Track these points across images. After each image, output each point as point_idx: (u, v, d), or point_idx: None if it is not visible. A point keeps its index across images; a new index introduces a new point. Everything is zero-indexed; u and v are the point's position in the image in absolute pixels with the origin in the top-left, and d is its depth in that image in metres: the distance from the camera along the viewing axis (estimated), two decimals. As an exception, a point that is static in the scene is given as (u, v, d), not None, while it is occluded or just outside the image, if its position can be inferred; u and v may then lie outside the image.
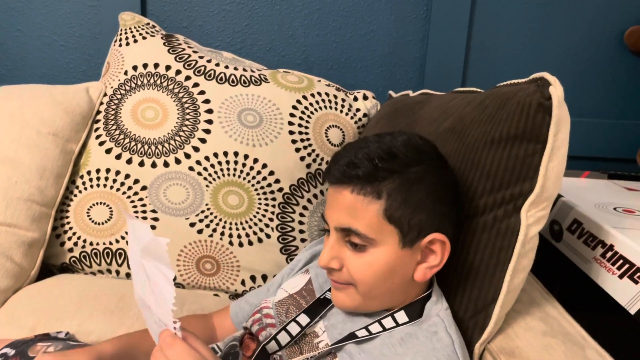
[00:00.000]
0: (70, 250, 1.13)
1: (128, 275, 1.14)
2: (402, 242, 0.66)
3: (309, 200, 1.15)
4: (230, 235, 1.11)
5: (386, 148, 0.67)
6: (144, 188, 1.11)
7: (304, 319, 0.75)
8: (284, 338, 0.73)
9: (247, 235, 1.12)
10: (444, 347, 0.64)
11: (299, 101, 1.17)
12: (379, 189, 0.65)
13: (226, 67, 1.19)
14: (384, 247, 0.66)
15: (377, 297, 0.69)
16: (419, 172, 0.67)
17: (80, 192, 1.14)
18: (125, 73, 1.18)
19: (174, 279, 1.11)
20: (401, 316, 0.69)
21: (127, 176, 1.11)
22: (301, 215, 1.15)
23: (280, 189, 1.13)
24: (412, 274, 0.68)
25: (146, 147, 1.12)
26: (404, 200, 0.65)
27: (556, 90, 0.69)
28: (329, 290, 0.78)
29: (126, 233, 1.12)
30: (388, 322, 0.69)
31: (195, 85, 1.15)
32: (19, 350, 0.80)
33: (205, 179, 1.10)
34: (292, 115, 1.15)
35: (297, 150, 1.14)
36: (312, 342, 0.73)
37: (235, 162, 1.11)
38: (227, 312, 0.93)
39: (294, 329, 0.74)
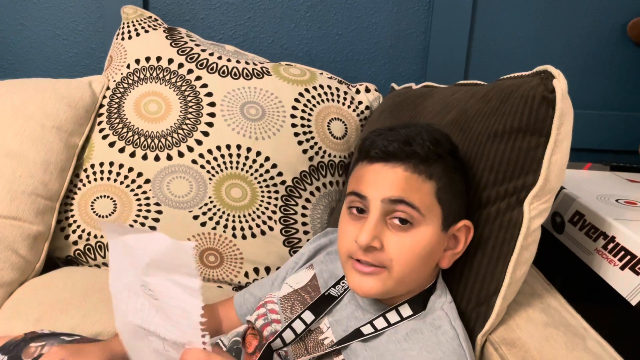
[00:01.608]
0: (75, 243, 1.14)
1: (132, 268, 1.15)
2: (443, 225, 0.68)
3: (311, 193, 1.16)
4: (234, 228, 1.12)
5: (432, 134, 0.70)
6: (147, 181, 1.11)
7: (308, 316, 0.75)
8: (288, 335, 0.73)
9: (250, 227, 1.12)
10: (448, 341, 0.64)
11: (301, 94, 1.17)
12: (431, 170, 0.67)
13: (228, 60, 1.19)
14: (428, 227, 0.66)
15: (408, 281, 0.68)
16: (455, 161, 0.72)
17: (84, 185, 1.14)
18: (128, 66, 1.18)
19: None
20: (405, 310, 0.69)
21: (130, 169, 1.12)
22: (304, 207, 1.15)
23: (283, 182, 1.13)
24: (438, 260, 0.71)
25: (149, 140, 1.12)
26: (450, 185, 0.69)
27: (560, 83, 0.69)
28: (334, 286, 0.78)
29: (130, 226, 1.12)
30: (392, 316, 0.69)
31: (198, 78, 1.15)
32: (12, 356, 0.78)
33: (208, 172, 1.11)
34: (294, 108, 1.15)
35: (300, 143, 1.14)
36: (317, 339, 0.73)
37: (238, 155, 1.11)
38: (231, 303, 0.94)
39: (298, 326, 0.74)
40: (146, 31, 1.23)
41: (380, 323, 0.68)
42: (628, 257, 0.84)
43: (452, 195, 0.69)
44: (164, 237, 0.47)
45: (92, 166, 1.14)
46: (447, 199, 0.68)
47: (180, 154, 1.11)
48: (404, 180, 0.66)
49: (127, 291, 0.52)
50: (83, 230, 1.13)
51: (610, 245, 0.88)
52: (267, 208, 1.13)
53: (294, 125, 1.14)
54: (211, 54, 1.19)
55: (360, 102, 1.22)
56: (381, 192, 0.66)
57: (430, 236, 0.67)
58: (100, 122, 1.17)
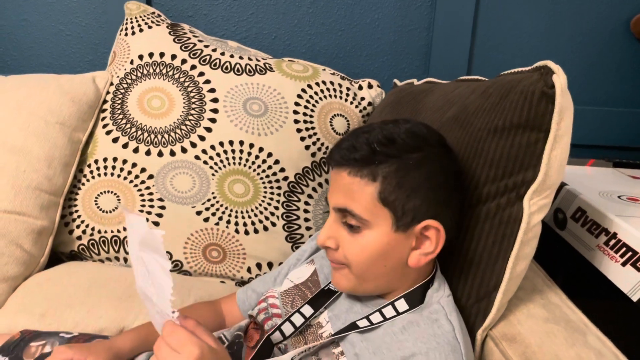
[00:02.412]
0: (79, 238, 1.15)
1: (135, 263, 1.15)
2: (395, 226, 0.67)
3: (313, 189, 1.16)
4: (237, 224, 1.12)
5: (387, 134, 0.68)
6: (150, 177, 1.12)
7: (307, 310, 0.76)
8: (287, 329, 0.75)
9: (253, 223, 1.13)
10: (444, 334, 0.65)
11: (304, 90, 1.17)
12: (375, 171, 0.66)
13: (231, 56, 1.19)
14: (377, 230, 0.67)
15: (371, 279, 0.70)
16: (418, 158, 0.67)
17: (87, 180, 1.15)
18: (131, 62, 1.19)
19: (181, 266, 1.13)
20: (401, 304, 0.70)
21: (134, 165, 1.13)
22: (306, 203, 1.16)
23: (286, 178, 1.13)
24: (406, 259, 0.69)
25: (152, 136, 1.13)
26: (399, 185, 0.66)
27: (559, 79, 0.69)
28: None
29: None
30: (388, 311, 0.69)
31: (201, 74, 1.15)
32: (13, 357, 0.79)
33: (211, 167, 1.11)
34: (297, 104, 1.16)
35: (302, 139, 1.14)
36: (317, 333, 0.74)
37: (241, 151, 1.11)
38: (234, 299, 0.94)
39: (297, 320, 0.75)
40: (149, 27, 1.23)
41: (376, 318, 0.69)
42: (629, 253, 0.84)
43: (405, 195, 0.66)
44: (143, 221, 0.53)
45: (96, 161, 1.15)
46: (396, 198, 0.66)
47: (184, 150, 1.11)
48: (347, 186, 0.68)
49: (136, 259, 0.58)
50: (87, 225, 1.14)
51: (612, 242, 0.88)
52: (269, 204, 1.13)
53: (296, 122, 1.14)
54: (214, 50, 1.20)
55: (362, 98, 1.22)
56: (333, 200, 0.70)
57: (379, 238, 0.67)
58: (103, 118, 1.17)
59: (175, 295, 0.52)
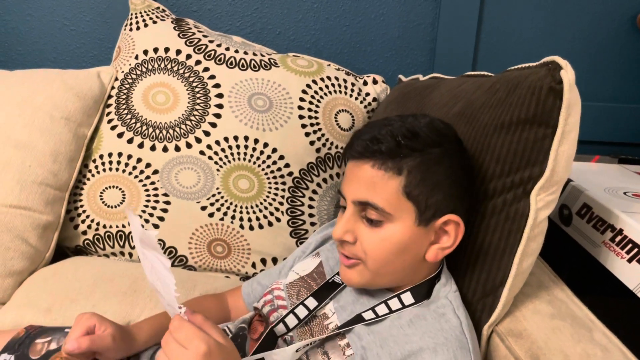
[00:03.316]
0: (84, 233, 1.15)
1: (140, 258, 1.16)
2: (417, 220, 0.67)
3: (318, 185, 1.16)
4: (241, 219, 1.12)
5: (410, 127, 0.68)
6: (155, 172, 1.12)
7: (312, 302, 0.76)
8: (292, 321, 0.75)
9: (258, 218, 1.13)
10: (451, 328, 0.65)
11: (308, 85, 1.17)
12: (400, 165, 0.66)
13: (236, 51, 1.19)
14: (399, 224, 0.67)
15: (386, 274, 0.70)
16: (439, 153, 0.68)
17: (93, 175, 1.15)
18: (136, 57, 1.19)
19: (186, 261, 1.13)
20: (407, 297, 0.70)
21: (139, 160, 1.13)
22: (311, 199, 1.16)
23: (290, 173, 1.13)
24: (424, 254, 0.69)
25: (157, 131, 1.13)
26: (423, 179, 0.67)
27: (567, 74, 0.68)
28: (338, 273, 0.79)
29: (139, 216, 1.13)
30: (394, 303, 0.70)
31: (206, 69, 1.15)
32: (19, 355, 0.78)
33: (216, 163, 1.11)
34: (301, 99, 1.15)
35: (307, 134, 1.14)
36: (323, 324, 0.74)
37: (246, 147, 1.11)
38: (239, 292, 0.95)
39: (301, 312, 0.75)
40: (154, 22, 1.23)
41: (381, 309, 0.70)
42: (635, 249, 0.84)
43: (428, 190, 0.67)
44: (137, 220, 0.55)
45: (101, 157, 1.15)
46: (420, 193, 0.67)
47: (188, 145, 1.11)
48: (369, 179, 0.67)
49: (142, 255, 0.58)
50: (92, 220, 1.14)
51: (618, 238, 0.88)
52: (274, 199, 1.13)
53: (301, 117, 1.14)
54: (219, 45, 1.20)
55: (367, 94, 1.22)
56: (352, 193, 0.69)
57: (401, 232, 0.67)
58: (108, 113, 1.17)
59: (179, 291, 0.53)
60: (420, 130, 0.68)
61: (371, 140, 0.68)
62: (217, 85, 1.14)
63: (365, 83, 1.24)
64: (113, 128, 1.15)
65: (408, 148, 0.67)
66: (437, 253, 0.69)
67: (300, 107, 1.15)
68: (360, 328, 0.69)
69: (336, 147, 1.17)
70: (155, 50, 1.18)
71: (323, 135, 1.16)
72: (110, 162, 1.14)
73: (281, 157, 1.12)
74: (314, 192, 1.16)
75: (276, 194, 1.13)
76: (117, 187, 1.14)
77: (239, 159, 1.11)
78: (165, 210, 1.12)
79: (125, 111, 1.16)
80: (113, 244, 1.15)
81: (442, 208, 0.68)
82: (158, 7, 1.26)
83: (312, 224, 1.16)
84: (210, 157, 1.11)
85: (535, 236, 0.73)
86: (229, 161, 1.11)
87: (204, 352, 0.52)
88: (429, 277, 0.72)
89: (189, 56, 1.17)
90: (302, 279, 0.83)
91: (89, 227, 1.15)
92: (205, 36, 1.22)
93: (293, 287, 0.82)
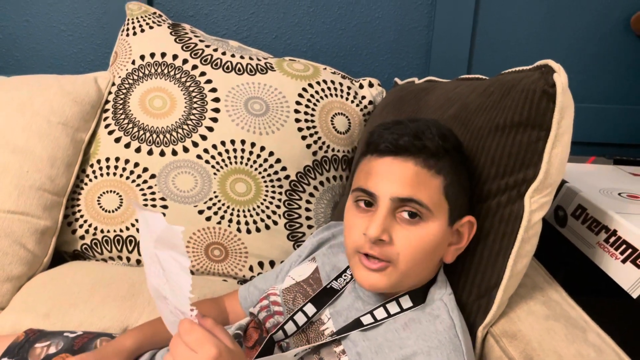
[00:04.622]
0: (82, 237, 1.15)
1: (139, 262, 1.16)
2: (449, 220, 0.69)
3: (315, 188, 1.17)
4: (238, 222, 1.13)
5: (437, 129, 0.70)
6: (153, 176, 1.13)
7: (310, 309, 0.76)
8: (290, 328, 0.75)
9: (255, 222, 1.13)
10: (445, 330, 0.65)
11: (304, 89, 1.18)
12: (440, 165, 0.68)
13: (232, 55, 1.20)
14: (437, 222, 0.67)
15: (412, 275, 0.68)
16: (461, 157, 0.72)
17: (90, 180, 1.15)
18: (133, 62, 1.19)
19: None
20: (405, 301, 0.70)
21: (136, 164, 1.13)
22: (308, 202, 1.16)
23: (287, 177, 1.14)
24: (443, 255, 0.71)
25: (154, 135, 1.13)
26: (457, 180, 0.69)
27: (560, 78, 0.69)
28: (336, 279, 0.79)
29: (136, 220, 1.13)
30: (392, 307, 0.69)
31: (202, 74, 1.16)
32: (19, 359, 0.78)
33: (213, 167, 1.12)
34: (298, 103, 1.16)
35: (304, 138, 1.15)
36: (318, 330, 0.74)
37: (242, 150, 1.12)
38: (237, 296, 0.95)
39: (300, 318, 0.75)
40: (151, 27, 1.23)
41: (380, 313, 0.69)
42: (630, 250, 0.84)
43: (458, 191, 0.69)
44: (160, 218, 0.52)
45: (99, 161, 1.15)
46: (453, 194, 0.68)
47: (185, 149, 1.12)
48: (414, 175, 0.66)
49: (149, 258, 0.57)
50: (90, 225, 1.15)
51: (612, 239, 0.88)
52: (271, 202, 1.14)
53: (297, 120, 1.15)
54: (215, 50, 1.20)
55: (363, 97, 1.23)
56: (391, 189, 0.66)
57: (437, 231, 0.67)
58: (106, 118, 1.18)
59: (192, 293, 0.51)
60: (447, 133, 0.71)
61: (414, 136, 0.67)
62: (213, 90, 1.15)
63: (361, 86, 1.25)
64: (110, 133, 1.16)
65: (444, 149, 0.68)
66: (454, 254, 0.72)
67: (296, 111, 1.15)
68: (356, 334, 0.69)
69: (332, 150, 1.18)
70: (152, 55, 1.19)
71: (319, 138, 1.16)
72: (108, 167, 1.14)
73: (278, 161, 1.13)
74: (311, 195, 1.17)
75: (273, 197, 1.14)
76: (114, 192, 1.14)
77: (235, 162, 1.12)
78: (162, 215, 1.12)
79: (123, 116, 1.16)
80: (111, 249, 1.15)
81: (465, 209, 0.71)
82: (154, 13, 1.27)
83: (309, 227, 1.17)
84: (207, 161, 1.12)
85: (529, 238, 0.73)
86: (226, 165, 1.12)
87: (214, 357, 0.51)
88: (428, 280, 0.72)
89: (185, 61, 1.17)
90: (298, 285, 0.82)
91: (87, 231, 1.15)
92: (201, 41, 1.22)
93: (289, 292, 0.82)
